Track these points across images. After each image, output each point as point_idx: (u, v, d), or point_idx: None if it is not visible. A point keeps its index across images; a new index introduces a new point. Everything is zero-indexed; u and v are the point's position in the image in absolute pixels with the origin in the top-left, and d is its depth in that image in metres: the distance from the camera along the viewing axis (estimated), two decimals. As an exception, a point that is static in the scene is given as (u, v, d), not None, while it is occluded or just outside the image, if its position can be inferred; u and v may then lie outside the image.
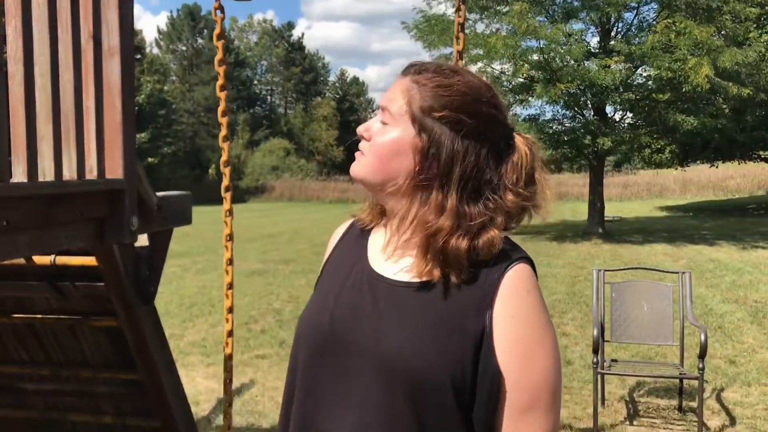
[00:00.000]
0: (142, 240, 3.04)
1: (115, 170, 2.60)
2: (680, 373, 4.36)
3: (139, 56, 43.11)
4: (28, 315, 3.21)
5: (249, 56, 60.91)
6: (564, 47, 14.15)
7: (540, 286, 1.14)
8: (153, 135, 41.25)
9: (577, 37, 14.76)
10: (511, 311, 1.06)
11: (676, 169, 28.30)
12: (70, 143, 2.35)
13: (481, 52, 15.28)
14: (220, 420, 4.72)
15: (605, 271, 4.83)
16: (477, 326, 1.04)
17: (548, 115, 17.74)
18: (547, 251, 14.37)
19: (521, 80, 15.98)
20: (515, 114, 16.95)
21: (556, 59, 14.56)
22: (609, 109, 16.33)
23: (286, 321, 7.81)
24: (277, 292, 9.75)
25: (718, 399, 4.94)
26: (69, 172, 2.36)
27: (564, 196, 35.18)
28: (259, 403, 4.95)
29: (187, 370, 5.92)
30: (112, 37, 2.50)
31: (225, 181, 1.54)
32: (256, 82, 62.60)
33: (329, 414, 1.12)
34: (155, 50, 55.48)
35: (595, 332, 4.28)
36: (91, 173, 2.48)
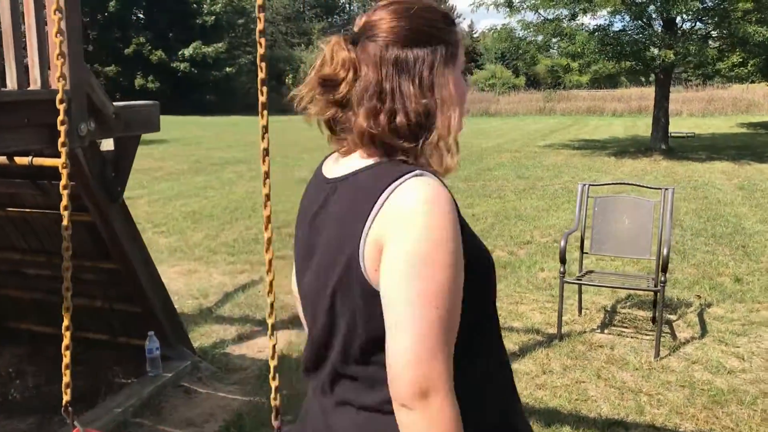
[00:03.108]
0: (108, 144, 3.38)
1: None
2: (647, 286, 4.49)
3: (217, -36, 43.20)
4: (21, 209, 3.65)
5: (327, -37, 59.99)
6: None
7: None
8: (231, 44, 41.76)
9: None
10: None
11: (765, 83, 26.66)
12: (11, 58, 2.66)
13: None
14: (221, 311, 5.20)
15: (590, 185, 4.91)
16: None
17: (617, 26, 16.99)
18: (600, 166, 14.19)
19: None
20: (581, 24, 16.38)
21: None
22: (678, 20, 15.52)
23: (315, 226, 8.21)
24: (317, 199, 10.15)
25: (701, 314, 5.04)
26: (11, 83, 2.69)
27: (644, 110, 33.88)
28: (260, 299, 5.40)
29: (208, 267, 6.44)
30: (54, -42, 2.76)
31: (262, 98, 1.73)
32: (334, -11, 61.85)
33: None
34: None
35: (563, 243, 4.43)
36: (35, 84, 2.81)
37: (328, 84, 1.16)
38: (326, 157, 1.30)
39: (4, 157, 3.28)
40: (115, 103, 3.23)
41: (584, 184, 4.89)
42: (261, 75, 1.77)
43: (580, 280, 4.64)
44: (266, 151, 1.75)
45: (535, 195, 10.61)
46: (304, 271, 1.25)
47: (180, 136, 21.36)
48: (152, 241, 7.17)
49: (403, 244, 1.03)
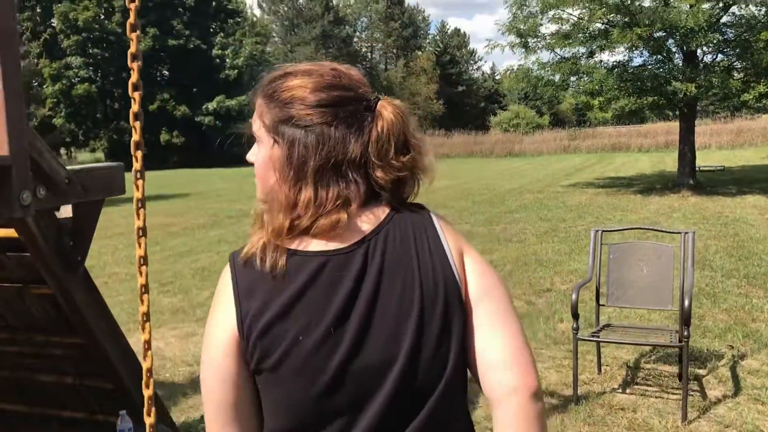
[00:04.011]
0: (66, 211, 3.14)
1: (1, 147, 2.68)
2: (671, 341, 4.08)
3: (239, 19, 44.16)
4: (-20, 282, 3.41)
5: (348, 14, 60.98)
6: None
7: None
8: (254, 96, 42.32)
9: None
10: None
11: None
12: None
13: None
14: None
15: (603, 231, 4.56)
16: None
17: (637, 61, 16.70)
18: (625, 205, 13.74)
19: (598, 25, 15.09)
20: (600, 61, 16.11)
21: (634, 1, 13.62)
22: (699, 52, 15.16)
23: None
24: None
25: (733, 367, 4.60)
26: (-62, 152, 2.45)
27: (671, 144, 33.33)
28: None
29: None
30: (-11, 19, 2.55)
31: (136, 165, 1.49)
32: (356, 39, 62.71)
33: None
34: (257, 11, 56.67)
35: (574, 296, 4.06)
36: (-32, 151, 2.57)
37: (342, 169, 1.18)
38: (249, 259, 1.12)
39: (-42, 228, 3.07)
40: (74, 167, 3.01)
41: (597, 231, 4.54)
42: (135, 137, 1.48)
43: (597, 336, 4.25)
44: (142, 231, 1.46)
45: (557, 238, 10.21)
46: (356, 351, 1.08)
47: (204, 189, 21.39)
48: (156, 302, 6.93)
49: (475, 251, 1.19)
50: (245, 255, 1.11)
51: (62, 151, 40.46)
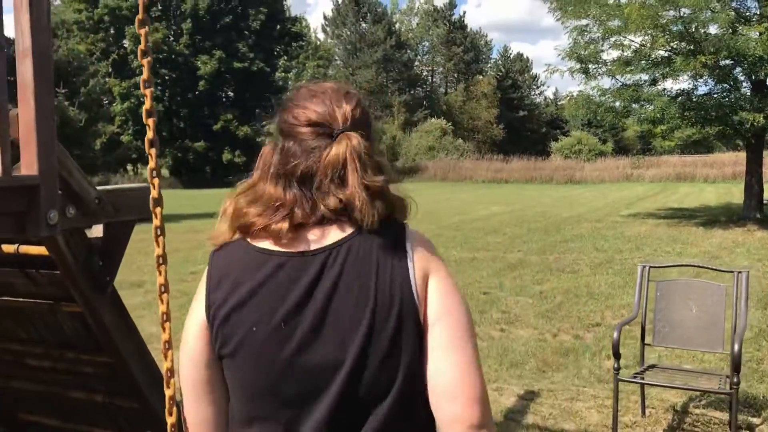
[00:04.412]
0: (97, 231, 3.17)
1: (30, 166, 2.72)
2: (719, 387, 3.84)
3: (302, 42, 44.99)
4: (15, 298, 3.47)
5: (410, 38, 61.43)
6: (708, 14, 12.81)
7: None
8: (314, 117, 42.88)
9: (723, 3, 13.29)
10: None
11: None
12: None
13: (618, 23, 14.26)
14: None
15: (651, 266, 4.37)
16: None
17: (702, 90, 16.20)
18: (686, 238, 13.27)
19: (661, 53, 14.71)
20: (663, 89, 15.70)
21: (699, 28, 13.23)
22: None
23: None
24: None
25: (791, 417, 4.32)
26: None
27: (739, 176, 32.22)
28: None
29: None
30: (25, 39, 2.61)
31: (153, 193, 1.52)
32: (417, 63, 63.02)
33: None
34: (321, 35, 57.67)
35: (615, 335, 3.88)
36: (-4, 170, 2.61)
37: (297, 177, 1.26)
38: (219, 250, 1.28)
39: (-6, 246, 3.13)
40: (107, 187, 3.04)
41: (644, 266, 4.35)
42: (151, 164, 1.47)
43: (640, 377, 4.04)
44: (163, 259, 1.43)
45: (612, 270, 9.90)
46: (305, 347, 1.17)
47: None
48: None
49: (445, 273, 1.21)
50: (216, 244, 1.28)
51: (129, 167, 41.72)
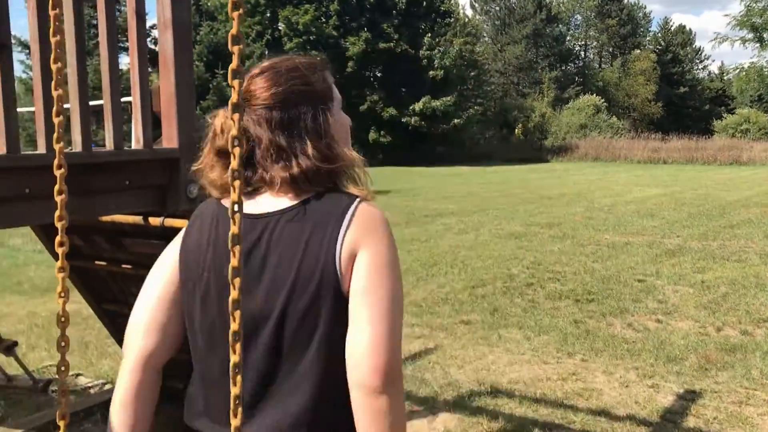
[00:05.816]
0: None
1: (171, 140, 2.72)
2: None
3: (450, 20, 44.54)
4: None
5: (562, 12, 59.17)
6: None
7: None
8: (460, 96, 42.38)
9: None
10: None
11: None
12: (109, 117, 2.50)
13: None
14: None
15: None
16: None
17: None
18: None
19: None
20: None
21: None
22: None
23: (513, 287, 7.56)
24: (523, 256, 9.47)
25: None
26: (109, 143, 2.52)
27: None
28: (428, 371, 4.90)
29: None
30: (165, 11, 2.59)
31: (233, 164, 1.56)
32: (569, 38, 60.66)
33: None
34: (469, 12, 56.89)
35: None
36: (138, 143, 2.63)
37: (224, 153, 1.34)
38: (204, 205, 1.45)
39: (140, 217, 3.20)
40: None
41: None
42: (234, 163, 1.34)
43: None
44: (236, 239, 1.33)
45: (786, 259, 8.96)
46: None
47: (405, 186, 21.74)
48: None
49: (379, 249, 1.26)
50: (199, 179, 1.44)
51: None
